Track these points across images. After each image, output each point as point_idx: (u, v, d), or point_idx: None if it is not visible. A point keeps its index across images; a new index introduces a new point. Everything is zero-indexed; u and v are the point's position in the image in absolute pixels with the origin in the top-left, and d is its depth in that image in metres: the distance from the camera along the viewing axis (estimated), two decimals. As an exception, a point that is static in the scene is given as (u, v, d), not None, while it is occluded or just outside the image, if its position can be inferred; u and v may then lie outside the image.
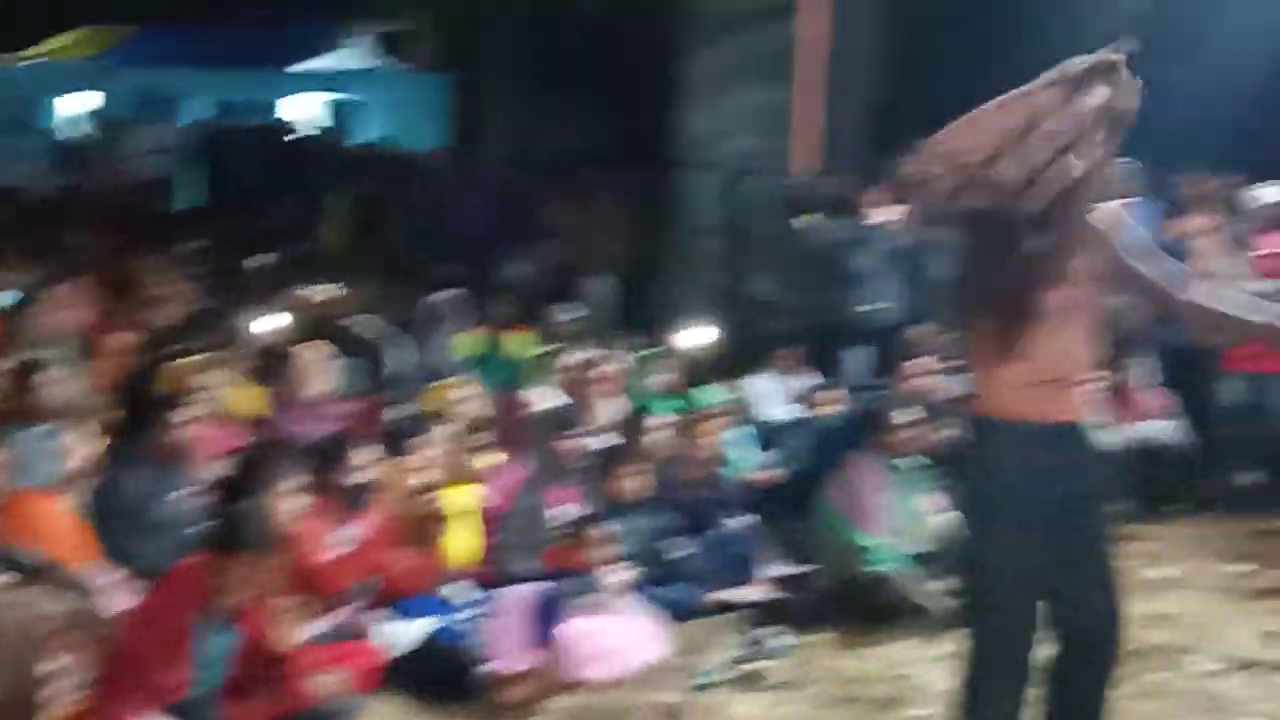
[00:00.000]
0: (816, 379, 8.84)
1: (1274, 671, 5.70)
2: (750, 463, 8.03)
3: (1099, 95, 3.67)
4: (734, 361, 9.22)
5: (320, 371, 7.22)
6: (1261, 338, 4.07)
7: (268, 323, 8.11)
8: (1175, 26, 11.20)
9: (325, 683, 4.81)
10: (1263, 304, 4.04)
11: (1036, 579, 3.85)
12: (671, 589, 6.38)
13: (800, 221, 9.79)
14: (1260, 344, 4.13)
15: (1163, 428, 8.42)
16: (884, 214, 9.49)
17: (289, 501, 5.15)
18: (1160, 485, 8.15)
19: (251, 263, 10.17)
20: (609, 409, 7.77)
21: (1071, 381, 3.87)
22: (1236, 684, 5.58)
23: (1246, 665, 5.76)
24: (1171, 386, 8.48)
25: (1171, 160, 9.14)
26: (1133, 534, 6.79)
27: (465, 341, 8.91)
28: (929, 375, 8.23)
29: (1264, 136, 10.74)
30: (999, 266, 3.76)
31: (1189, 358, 8.33)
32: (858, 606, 6.38)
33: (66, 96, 17.69)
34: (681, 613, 6.28)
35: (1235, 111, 11.04)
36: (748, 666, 5.80)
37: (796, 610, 6.49)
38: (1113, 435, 6.80)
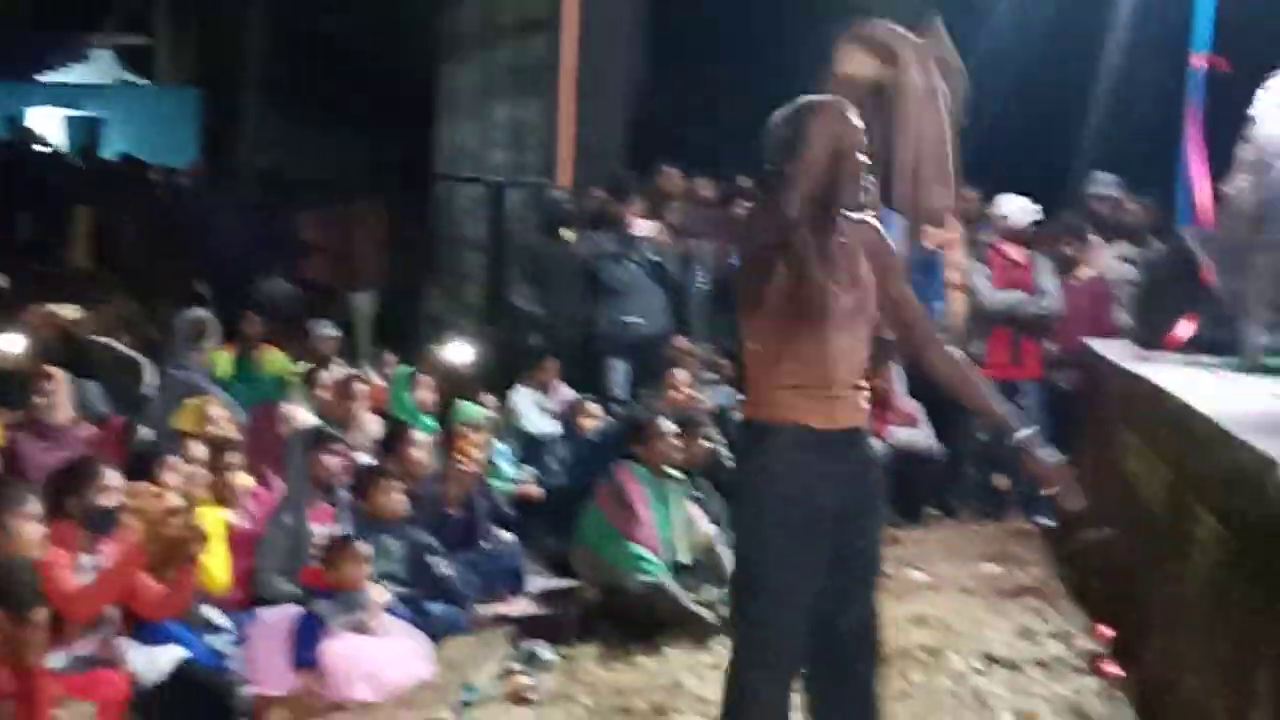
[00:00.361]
0: (577, 392, 8.84)
1: (1030, 667, 5.85)
2: (512, 477, 7.99)
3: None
4: (496, 376, 9.18)
5: (63, 394, 6.93)
6: (990, 416, 4.12)
7: (6, 344, 7.77)
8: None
9: (71, 715, 4.61)
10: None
11: (813, 583, 3.83)
12: (435, 606, 6.30)
13: (561, 234, 9.81)
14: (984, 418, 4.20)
15: (916, 433, 8.65)
16: (644, 227, 9.58)
17: (25, 531, 4.91)
18: (916, 489, 8.37)
19: (-11, 282, 9.78)
20: (368, 426, 7.66)
21: (852, 386, 3.85)
22: (994, 681, 5.69)
23: (1003, 663, 5.90)
24: (925, 392, 8.67)
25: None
26: (891, 537, 6.94)
27: (218, 360, 8.68)
28: (689, 387, 8.32)
29: (1005, 149, 11.14)
30: (782, 270, 3.70)
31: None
32: (625, 617, 6.38)
33: None
34: (446, 629, 6.21)
35: (981, 126, 11.41)
36: (515, 681, 5.74)
37: (563, 623, 6.49)
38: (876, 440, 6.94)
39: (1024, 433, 3.93)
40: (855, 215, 3.86)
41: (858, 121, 3.73)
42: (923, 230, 9.46)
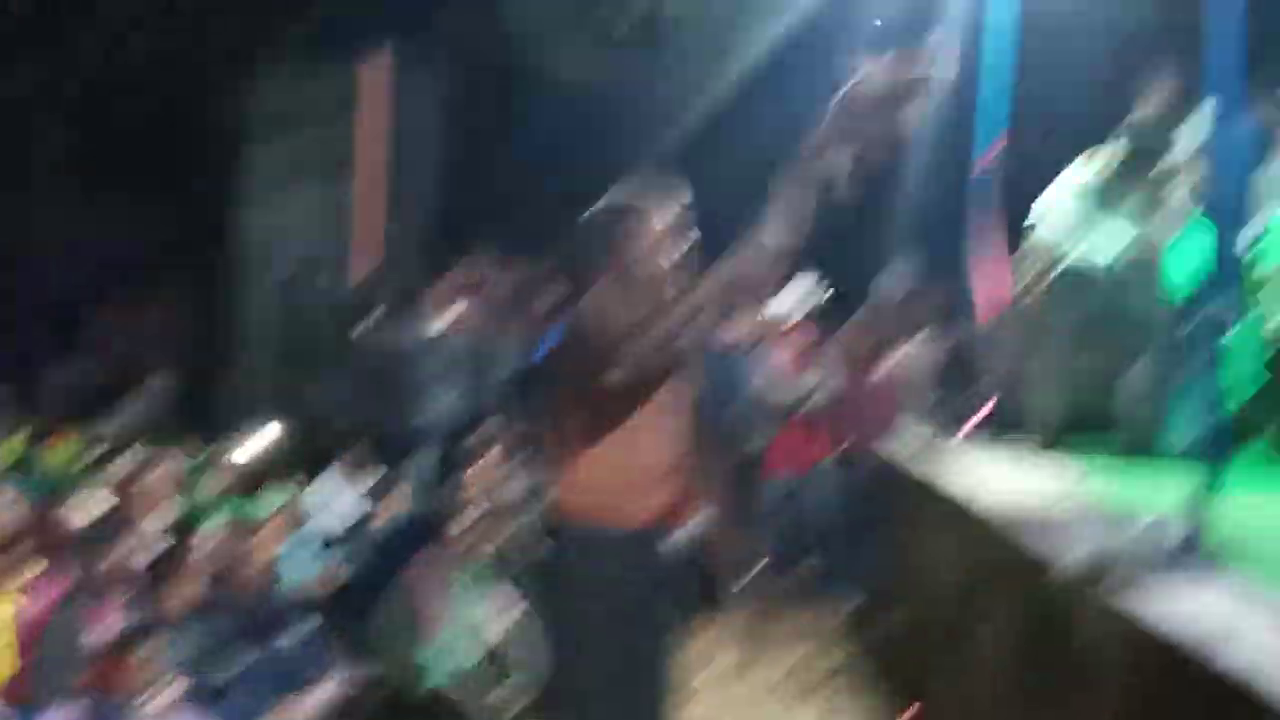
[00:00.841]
0: (378, 483, 8.71)
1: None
2: (309, 569, 7.81)
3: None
4: (293, 466, 9.00)
5: None
6: (725, 549, 4.26)
7: None
8: (730, 130, 11.79)
9: None
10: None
11: (620, 679, 3.77)
12: (228, 704, 6.10)
13: (362, 323, 9.71)
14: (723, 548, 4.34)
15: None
16: (447, 315, 9.52)
17: None
18: (713, 582, 8.39)
19: None
20: (159, 517, 7.44)
21: (656, 482, 3.83)
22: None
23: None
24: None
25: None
26: (689, 631, 6.94)
27: (6, 449, 8.39)
28: (493, 477, 8.24)
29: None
30: (585, 365, 3.66)
31: (737, 462, 8.65)
32: (421, 714, 6.27)
33: None
34: (239, 728, 6.02)
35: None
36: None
37: (360, 718, 6.34)
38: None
39: (740, 583, 4.11)
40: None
41: (664, 227, 3.73)
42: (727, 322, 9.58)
